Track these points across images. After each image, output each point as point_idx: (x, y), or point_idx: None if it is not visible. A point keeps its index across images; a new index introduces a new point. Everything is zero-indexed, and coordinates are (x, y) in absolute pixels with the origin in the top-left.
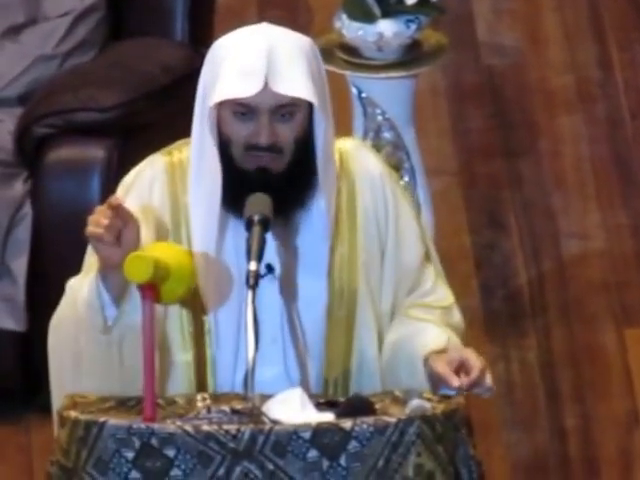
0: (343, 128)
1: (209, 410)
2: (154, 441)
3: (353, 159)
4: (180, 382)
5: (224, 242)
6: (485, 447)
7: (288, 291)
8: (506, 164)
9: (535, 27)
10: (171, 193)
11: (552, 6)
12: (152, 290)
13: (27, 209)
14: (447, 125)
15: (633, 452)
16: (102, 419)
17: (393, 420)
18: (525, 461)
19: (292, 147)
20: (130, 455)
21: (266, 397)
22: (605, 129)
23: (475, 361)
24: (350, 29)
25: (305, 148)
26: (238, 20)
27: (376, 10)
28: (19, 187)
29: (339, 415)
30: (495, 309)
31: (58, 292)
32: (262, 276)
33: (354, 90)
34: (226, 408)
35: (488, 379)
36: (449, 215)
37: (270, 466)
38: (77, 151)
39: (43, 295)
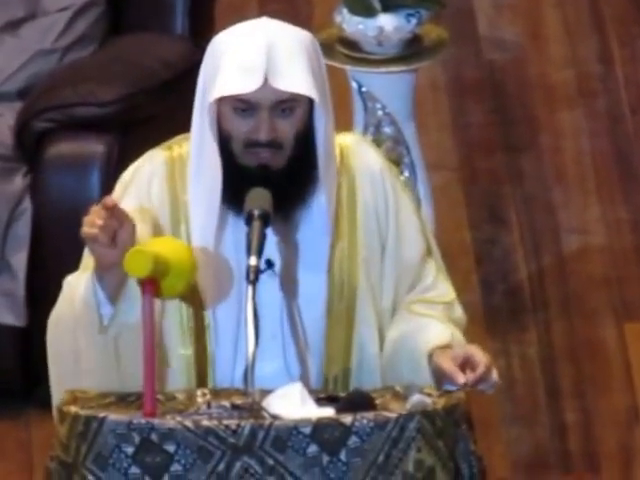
0: (343, 123)
1: (209, 405)
2: (154, 436)
3: (353, 154)
4: (180, 377)
5: (224, 237)
6: (485, 442)
7: (288, 286)
8: (506, 159)
9: (536, 22)
10: (170, 188)
11: (553, 1)
12: (152, 285)
13: (27, 204)
14: (447, 120)
15: (633, 447)
16: (102, 414)
17: (393, 415)
18: (525, 456)
19: (292, 142)
20: (130, 450)
21: (266, 392)
22: (605, 124)
23: (481, 357)
24: (350, 23)
25: (305, 143)
26: (238, 14)
27: (376, 4)
28: (19, 182)
29: (339, 410)
30: (495, 304)
31: (58, 287)
32: (262, 271)
33: (354, 85)
34: (226, 403)
35: (494, 375)
36: (449, 210)
37: (270, 461)
38: (77, 146)
39: (43, 290)
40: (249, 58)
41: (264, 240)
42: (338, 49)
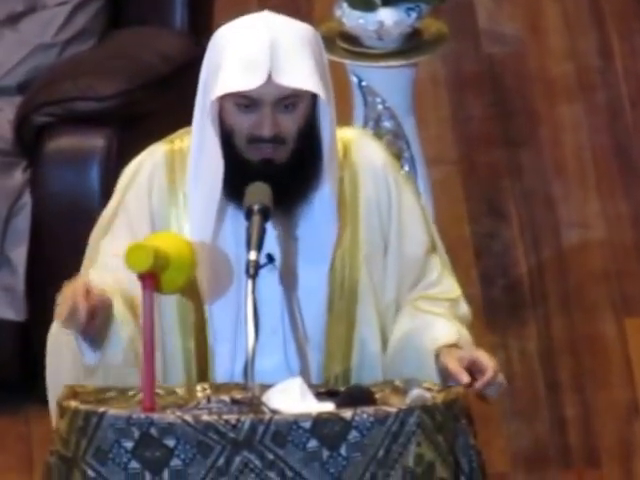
0: (343, 117)
1: (209, 400)
2: (153, 431)
3: (356, 149)
4: (180, 371)
5: (224, 232)
6: (485, 437)
7: (288, 281)
8: (506, 153)
9: (535, 16)
10: (169, 181)
11: None
12: (152, 280)
13: (26, 198)
14: (447, 114)
15: (633, 441)
16: (102, 409)
17: (393, 410)
18: (525, 451)
19: (295, 137)
20: (129, 445)
21: (266, 387)
22: (605, 118)
23: (487, 361)
24: (350, 17)
25: (308, 138)
26: (238, 8)
27: None
28: (18, 176)
29: (339, 405)
30: (495, 298)
31: (58, 282)
32: (262, 266)
33: (354, 79)
34: (226, 398)
35: (500, 379)
36: (449, 204)
37: (270, 456)
38: (76, 140)
39: (42, 285)
40: (252, 54)
41: (264, 235)
42: (338, 43)
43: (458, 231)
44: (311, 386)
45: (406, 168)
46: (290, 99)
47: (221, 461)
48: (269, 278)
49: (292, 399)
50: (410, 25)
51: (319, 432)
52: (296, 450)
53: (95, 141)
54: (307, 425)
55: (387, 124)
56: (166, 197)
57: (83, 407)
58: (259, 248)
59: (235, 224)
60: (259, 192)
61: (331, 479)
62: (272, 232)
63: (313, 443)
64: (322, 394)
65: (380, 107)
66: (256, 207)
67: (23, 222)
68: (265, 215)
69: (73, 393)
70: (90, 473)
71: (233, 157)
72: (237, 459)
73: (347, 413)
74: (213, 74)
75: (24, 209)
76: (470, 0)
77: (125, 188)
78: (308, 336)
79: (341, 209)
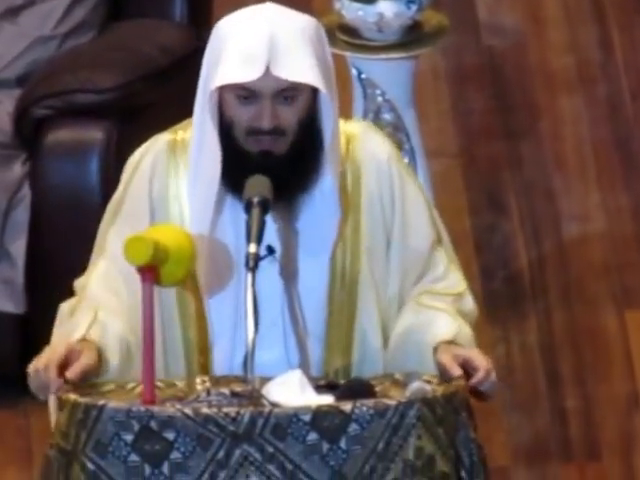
0: (343, 109)
1: (209, 393)
2: (153, 424)
3: (360, 143)
4: (181, 362)
5: (224, 224)
6: (486, 430)
7: (288, 273)
8: (506, 146)
9: (536, 8)
10: (171, 172)
11: None
12: (152, 272)
13: (26, 191)
14: (447, 106)
15: (634, 434)
16: (101, 402)
17: (393, 403)
18: (526, 444)
19: (295, 129)
20: (129, 438)
21: (266, 380)
22: (606, 110)
23: (481, 361)
24: (350, 10)
25: (309, 130)
26: (238, 0)
27: None
28: (18, 169)
29: (339, 398)
30: (495, 291)
31: (57, 274)
32: (262, 258)
33: (354, 71)
34: (226, 391)
35: (493, 377)
36: (449, 197)
37: (270, 449)
38: (76, 133)
39: (42, 277)
40: (251, 46)
41: (263, 227)
42: (338, 36)
43: (458, 224)
44: (311, 379)
45: (406, 160)
46: (289, 92)
47: (221, 454)
48: (269, 270)
49: (292, 392)
50: (410, 17)
51: (319, 425)
52: (296, 443)
53: (94, 134)
54: (307, 418)
55: (387, 116)
56: (167, 186)
57: (83, 400)
58: (259, 241)
59: (235, 217)
60: (259, 184)
61: (331, 472)
62: (272, 225)
63: (313, 436)
64: (322, 387)
65: (380, 99)
66: (256, 200)
67: (22, 215)
68: (265, 208)
69: (72, 386)
70: (90, 466)
71: (233, 149)
72: (237, 452)
73: (347, 406)
74: (213, 65)
75: (23, 202)
76: None
77: (129, 177)
78: (308, 329)
79: (343, 202)
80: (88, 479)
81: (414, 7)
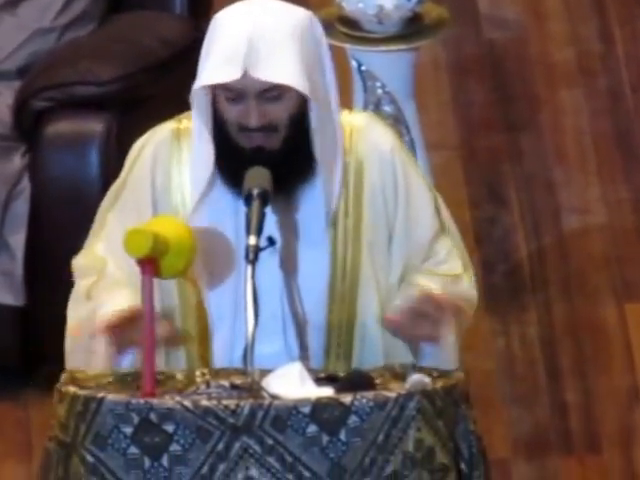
0: (343, 101)
1: (208, 385)
2: (153, 416)
3: (363, 135)
4: (181, 354)
5: (223, 217)
6: (486, 422)
7: (288, 265)
8: (507, 138)
9: (536, 0)
10: (174, 160)
11: None
12: (152, 265)
13: (25, 183)
14: (448, 99)
15: (634, 427)
16: (101, 394)
17: (393, 395)
18: (526, 436)
19: (287, 123)
20: (129, 430)
21: (265, 372)
22: (606, 103)
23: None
24: (350, 2)
25: (302, 123)
26: None
27: None
28: (17, 161)
29: (339, 390)
30: (495, 284)
31: (57, 267)
32: (263, 249)
33: (354, 63)
34: (225, 383)
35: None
36: (449, 189)
37: (269, 441)
38: (75, 125)
39: (42, 270)
40: (231, 47)
41: (263, 219)
42: (338, 28)
43: (458, 216)
44: (311, 371)
45: None
46: (274, 91)
47: (220, 446)
48: (269, 262)
49: (291, 384)
50: (410, 9)
51: (319, 417)
52: (296, 435)
53: (94, 125)
54: (307, 410)
55: (387, 108)
56: (170, 175)
57: (82, 392)
58: (259, 233)
59: (235, 208)
60: (258, 176)
61: (331, 464)
62: (273, 216)
63: (313, 428)
64: (322, 379)
65: (380, 91)
66: (255, 191)
67: (22, 207)
68: (264, 199)
69: (72, 378)
70: (89, 458)
71: (227, 144)
72: (236, 444)
73: (347, 398)
74: (202, 63)
75: (23, 194)
76: None
77: (132, 163)
78: (308, 320)
79: (345, 194)
80: (87, 472)
81: None
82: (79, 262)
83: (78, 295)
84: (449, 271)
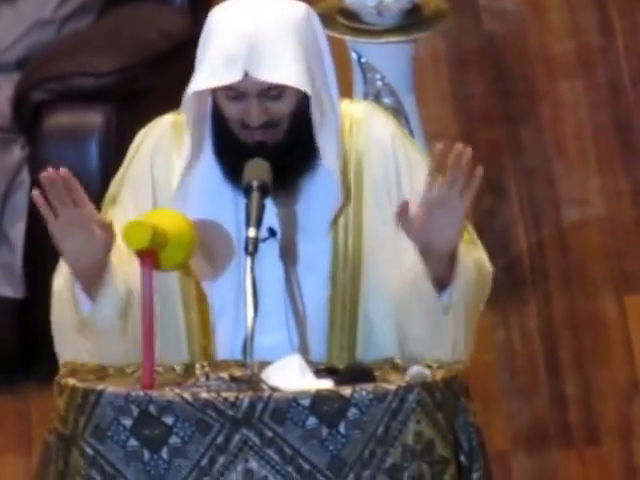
0: (343, 94)
1: (207, 377)
2: (152, 409)
3: (364, 126)
4: (183, 345)
5: (224, 209)
6: (485, 415)
7: (289, 256)
8: (506, 130)
9: None
10: (174, 152)
11: None
12: (151, 257)
13: (25, 175)
14: (447, 91)
15: (633, 420)
16: (100, 387)
17: (393, 387)
18: (525, 429)
19: (289, 119)
20: (128, 423)
21: (265, 364)
22: (606, 95)
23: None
24: None
25: (304, 116)
26: None
27: None
28: (17, 153)
29: (338, 382)
30: (495, 276)
31: (56, 259)
32: (263, 240)
33: (354, 55)
34: (225, 375)
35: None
36: None
37: (269, 433)
38: (75, 117)
39: (41, 262)
40: (231, 49)
41: (263, 211)
42: (338, 19)
43: None
44: (310, 363)
45: None
46: (275, 90)
47: (220, 439)
48: (271, 254)
49: (291, 376)
50: (410, 1)
51: (318, 409)
52: (295, 428)
53: (94, 118)
54: (306, 402)
55: (387, 100)
56: (170, 167)
57: (81, 385)
58: (258, 225)
59: (236, 201)
60: (258, 168)
61: (330, 457)
62: (274, 208)
63: (312, 421)
64: (321, 371)
65: (380, 83)
66: (255, 183)
67: (21, 199)
68: (264, 191)
69: (71, 371)
70: (88, 451)
71: (229, 139)
72: (236, 437)
73: (346, 390)
74: (199, 62)
75: (22, 186)
76: None
77: (132, 156)
78: (311, 311)
79: (347, 185)
80: (87, 464)
81: None
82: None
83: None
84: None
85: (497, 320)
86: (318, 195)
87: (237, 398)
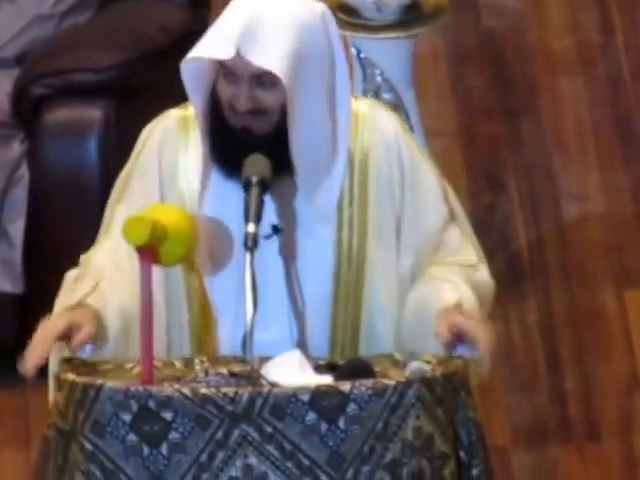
0: None
1: (207, 373)
2: (152, 404)
3: (368, 122)
4: (186, 340)
5: (225, 204)
6: (485, 410)
7: (292, 252)
8: (506, 126)
9: None
10: (181, 147)
11: None
12: (150, 252)
13: (24, 170)
14: (447, 86)
15: (634, 415)
16: (99, 382)
17: (392, 383)
18: (525, 424)
19: (279, 110)
20: (127, 418)
21: (265, 360)
22: (606, 91)
23: (478, 333)
24: None
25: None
26: None
27: None
28: (16, 148)
29: (338, 378)
30: (495, 271)
31: (56, 254)
32: (267, 237)
33: (353, 51)
34: (224, 371)
35: (486, 356)
36: (449, 177)
37: (268, 429)
38: (74, 112)
39: (40, 257)
40: (229, 27)
41: (262, 206)
42: (337, 15)
43: None
44: (310, 359)
45: None
46: (267, 77)
47: (219, 434)
48: (273, 250)
49: (291, 372)
50: None
51: (318, 405)
52: (295, 423)
53: (93, 113)
54: (306, 398)
55: (386, 96)
56: (177, 162)
57: (81, 380)
58: (258, 220)
59: (238, 197)
60: (257, 164)
61: (330, 452)
62: (276, 204)
63: (312, 416)
64: (321, 367)
65: (379, 79)
66: (254, 179)
67: (21, 194)
68: (263, 187)
69: (71, 366)
70: (88, 446)
71: (220, 123)
72: (235, 432)
73: (346, 386)
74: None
75: (22, 181)
76: None
77: (138, 153)
78: (314, 308)
79: (352, 181)
80: (86, 459)
81: None
82: (84, 258)
83: (68, 281)
84: (465, 261)
85: (497, 314)
86: (319, 192)
87: (236, 393)
